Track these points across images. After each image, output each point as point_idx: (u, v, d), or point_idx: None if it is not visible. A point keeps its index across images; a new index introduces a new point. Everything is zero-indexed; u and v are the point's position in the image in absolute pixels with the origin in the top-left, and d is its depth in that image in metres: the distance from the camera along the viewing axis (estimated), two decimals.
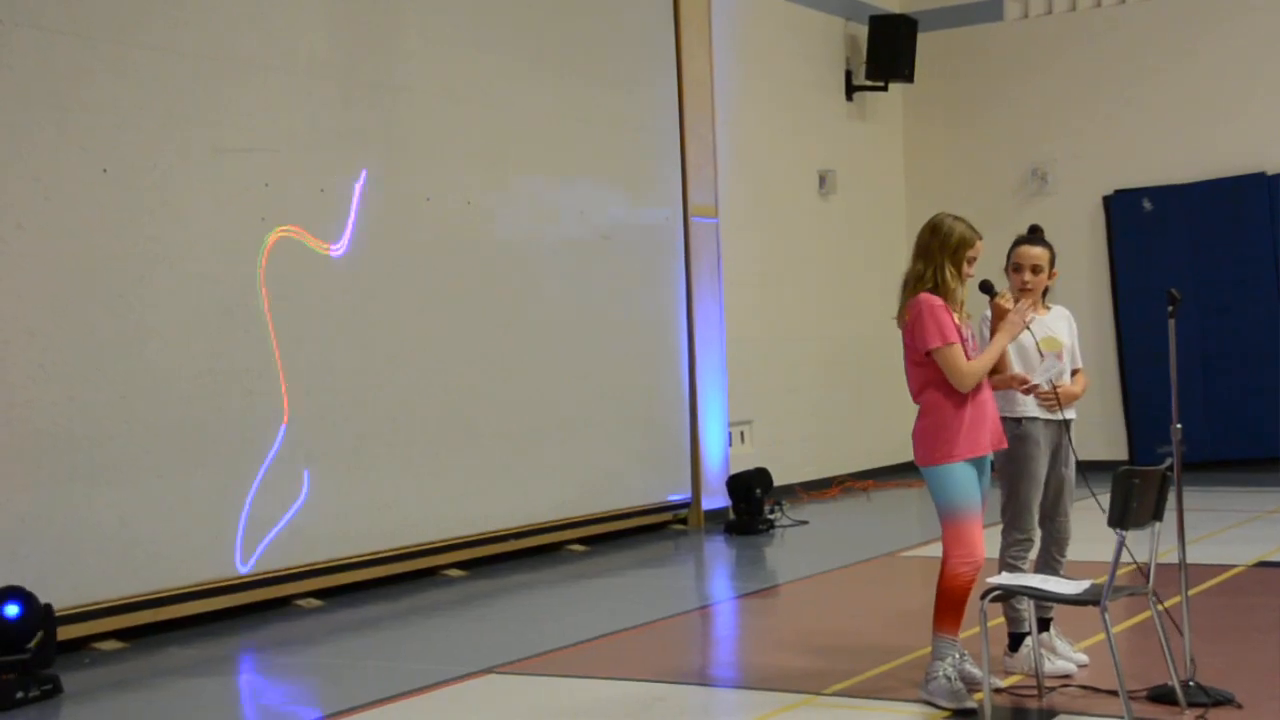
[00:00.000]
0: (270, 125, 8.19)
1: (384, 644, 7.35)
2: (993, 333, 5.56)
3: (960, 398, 5.42)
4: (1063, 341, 5.89)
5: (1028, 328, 5.55)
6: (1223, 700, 5.27)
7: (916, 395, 5.54)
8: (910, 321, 5.46)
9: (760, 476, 10.97)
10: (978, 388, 5.45)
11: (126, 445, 7.35)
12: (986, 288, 5.60)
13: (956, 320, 5.44)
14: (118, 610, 7.29)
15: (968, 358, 5.40)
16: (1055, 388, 5.66)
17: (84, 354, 7.20)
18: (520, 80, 9.94)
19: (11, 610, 6.27)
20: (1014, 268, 5.88)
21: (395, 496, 8.85)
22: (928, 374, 5.47)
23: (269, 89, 8.21)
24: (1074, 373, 5.96)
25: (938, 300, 5.43)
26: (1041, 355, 5.71)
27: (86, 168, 7.24)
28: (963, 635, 5.51)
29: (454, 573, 9.20)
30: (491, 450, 9.56)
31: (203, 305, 7.79)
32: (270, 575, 8.08)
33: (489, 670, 6.49)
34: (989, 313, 5.69)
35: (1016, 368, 5.72)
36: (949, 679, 5.41)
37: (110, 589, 7.26)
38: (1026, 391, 5.66)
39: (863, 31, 13.83)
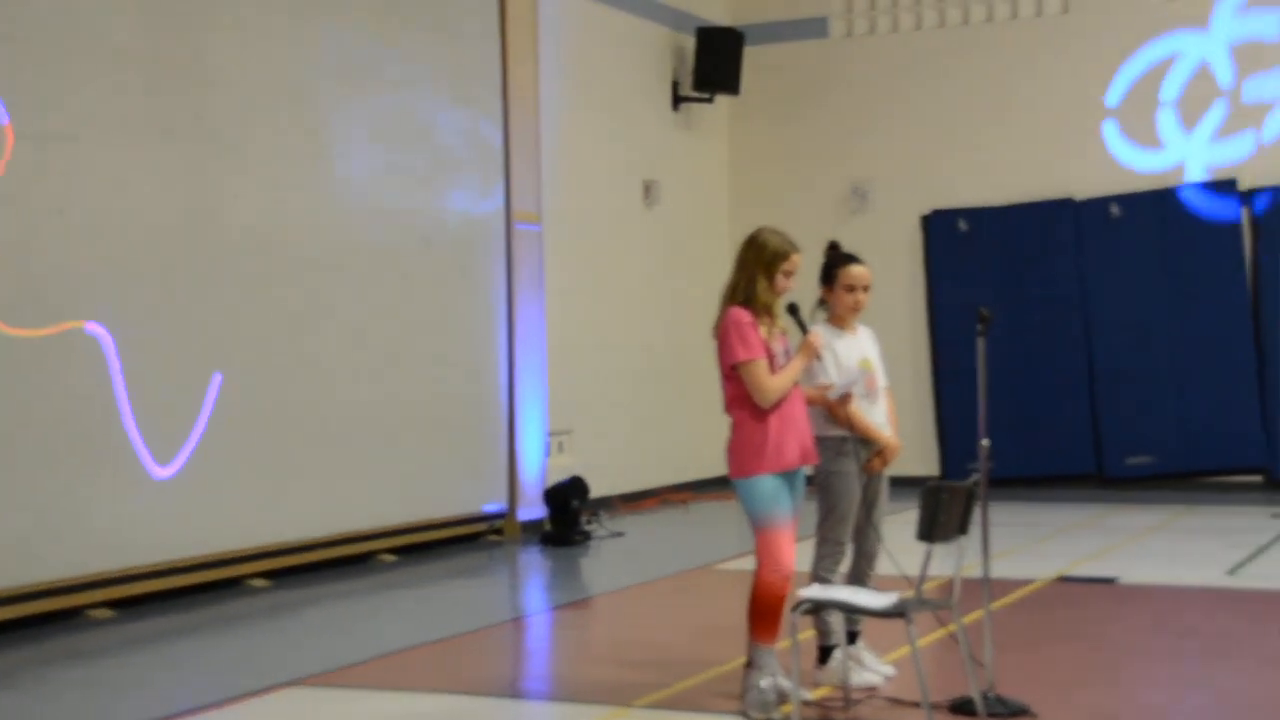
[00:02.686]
0: (74, 111, 7.85)
1: (180, 656, 7.09)
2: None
3: (766, 412, 5.45)
4: (874, 362, 6.01)
5: (819, 356, 5.63)
6: (1019, 711, 5.38)
7: (727, 408, 5.57)
8: (719, 335, 5.50)
9: (576, 487, 10.91)
10: (787, 402, 5.48)
11: None
12: (793, 309, 5.65)
13: (765, 335, 5.46)
14: None
15: (773, 372, 5.42)
16: (848, 399, 5.75)
17: None
18: (341, 79, 9.72)
19: None
20: (847, 288, 5.94)
21: (195, 504, 8.54)
22: (736, 388, 5.52)
23: (72, 74, 7.86)
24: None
25: (745, 315, 5.47)
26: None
27: None
28: (776, 647, 5.51)
29: (258, 583, 8.92)
30: (300, 456, 9.30)
31: None
32: (58, 585, 7.71)
33: (293, 683, 6.30)
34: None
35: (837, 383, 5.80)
36: (759, 690, 5.42)
37: None
38: (842, 404, 5.72)
39: (690, 43, 13.90)
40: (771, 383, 5.43)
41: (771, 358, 5.47)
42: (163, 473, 8.34)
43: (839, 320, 5.99)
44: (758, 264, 5.53)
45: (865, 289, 5.96)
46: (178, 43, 8.56)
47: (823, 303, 6.05)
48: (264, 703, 6.01)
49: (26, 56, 7.66)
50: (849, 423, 5.77)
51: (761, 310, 5.52)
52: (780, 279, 5.54)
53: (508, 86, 11.22)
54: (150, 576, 8.26)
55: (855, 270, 5.96)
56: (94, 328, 7.96)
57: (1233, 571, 8.77)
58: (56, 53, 7.81)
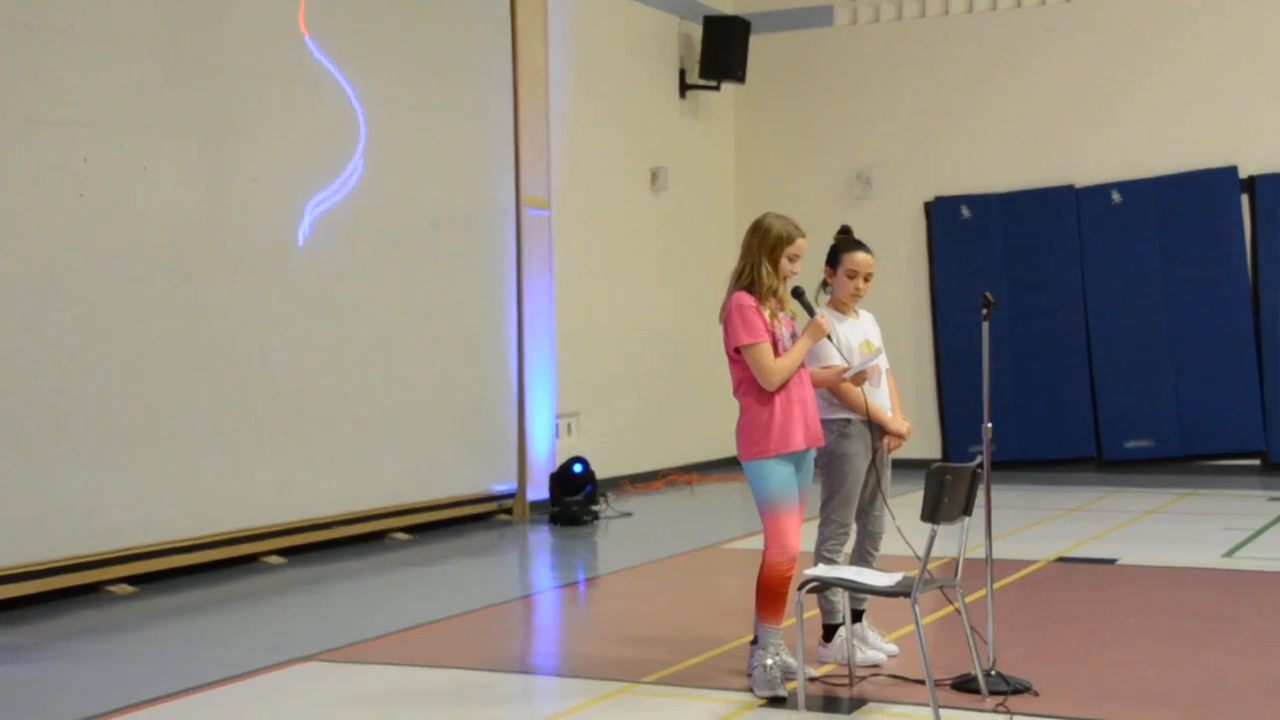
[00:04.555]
0: (89, 99, 7.97)
1: (200, 631, 7.22)
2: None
3: (771, 395, 5.54)
4: (876, 345, 6.10)
5: (828, 336, 5.70)
6: (1021, 688, 5.50)
7: (735, 391, 5.67)
8: (724, 320, 5.60)
9: (581, 468, 11.04)
10: (793, 385, 5.58)
11: None
12: (797, 293, 5.76)
13: (768, 318, 5.56)
14: None
15: (778, 356, 5.53)
16: (864, 374, 5.87)
17: None
18: (351, 65, 9.83)
19: None
20: (849, 274, 6.04)
21: (216, 482, 8.69)
22: (742, 371, 5.61)
23: (89, 62, 7.98)
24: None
25: (749, 299, 5.56)
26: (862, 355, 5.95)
27: None
28: (781, 627, 5.63)
29: (275, 560, 9.07)
30: (316, 437, 9.44)
31: (15, 281, 7.54)
32: (81, 561, 7.86)
33: (309, 658, 6.43)
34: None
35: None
36: (765, 668, 5.53)
37: None
38: (857, 382, 5.84)
39: (697, 31, 14.00)
40: (776, 365, 5.51)
41: (776, 341, 5.55)
42: (182, 452, 8.49)
43: (839, 305, 6.10)
44: (762, 249, 5.60)
45: (866, 278, 6.05)
46: (192, 31, 8.67)
47: (825, 285, 6.15)
48: (280, 677, 6.13)
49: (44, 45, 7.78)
50: (864, 407, 5.88)
51: (766, 294, 5.60)
52: (785, 263, 5.61)
53: (517, 72, 11.32)
54: (169, 553, 8.40)
55: (860, 257, 6.05)
56: (118, 311, 8.10)
57: (1230, 553, 8.90)
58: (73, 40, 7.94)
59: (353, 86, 9.81)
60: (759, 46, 14.33)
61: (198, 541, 8.58)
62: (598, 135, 12.84)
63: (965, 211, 14.05)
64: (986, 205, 13.95)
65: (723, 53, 13.85)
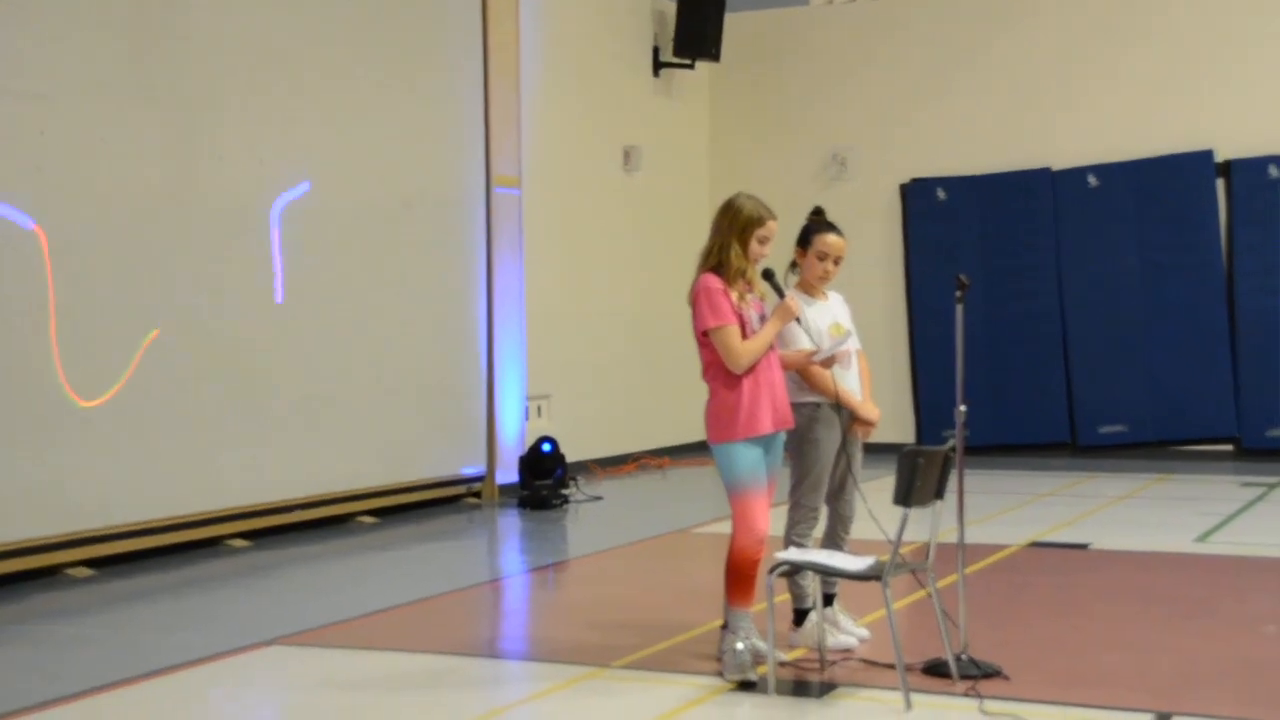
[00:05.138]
0: (46, 70, 7.82)
1: (162, 615, 7.13)
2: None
3: (739, 378, 5.47)
4: (846, 327, 6.03)
5: (797, 319, 5.63)
6: (992, 673, 5.46)
7: (703, 374, 5.61)
8: (691, 302, 5.54)
9: (550, 451, 10.96)
10: (762, 368, 5.51)
11: None
12: (768, 274, 5.68)
13: (737, 300, 5.49)
14: None
15: (746, 338, 5.46)
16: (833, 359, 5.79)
17: None
18: (319, 41, 9.70)
19: None
20: (819, 256, 5.96)
21: (178, 464, 8.56)
22: (710, 354, 5.55)
23: (46, 31, 7.83)
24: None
25: (716, 281, 5.49)
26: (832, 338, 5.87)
27: None
28: (751, 610, 5.57)
29: (238, 543, 8.96)
30: (281, 419, 9.33)
31: None
32: (39, 543, 7.73)
33: (272, 641, 6.34)
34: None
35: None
36: (735, 652, 5.48)
37: None
38: (824, 365, 5.77)
39: (671, 9, 13.88)
40: (743, 348, 5.44)
41: (744, 323, 5.48)
42: (142, 434, 8.36)
43: (807, 286, 6.02)
44: (732, 230, 5.53)
45: (836, 260, 5.96)
46: (157, 3, 8.52)
47: (794, 265, 6.07)
48: (244, 660, 6.05)
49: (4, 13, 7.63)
50: (833, 391, 5.81)
51: (735, 276, 5.52)
52: (754, 245, 5.53)
53: (488, 50, 11.20)
54: (130, 536, 8.28)
55: (831, 239, 5.97)
56: (76, 287, 7.97)
57: (1202, 538, 8.89)
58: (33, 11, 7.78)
59: (322, 63, 9.67)
60: (734, 25, 14.23)
61: (159, 524, 8.46)
62: (570, 114, 12.73)
63: (941, 194, 14.00)
64: (962, 188, 13.90)
65: (697, 31, 13.75)
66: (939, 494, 5.38)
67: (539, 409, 12.13)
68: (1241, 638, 6.23)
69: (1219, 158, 13.02)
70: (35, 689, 5.61)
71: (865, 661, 5.73)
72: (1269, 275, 12.81)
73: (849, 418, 5.92)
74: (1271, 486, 11.27)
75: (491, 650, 6.46)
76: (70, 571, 7.92)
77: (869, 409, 5.97)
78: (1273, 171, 12.78)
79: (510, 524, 10.29)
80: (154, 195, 8.46)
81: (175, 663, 5.97)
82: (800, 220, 6.11)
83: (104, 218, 8.15)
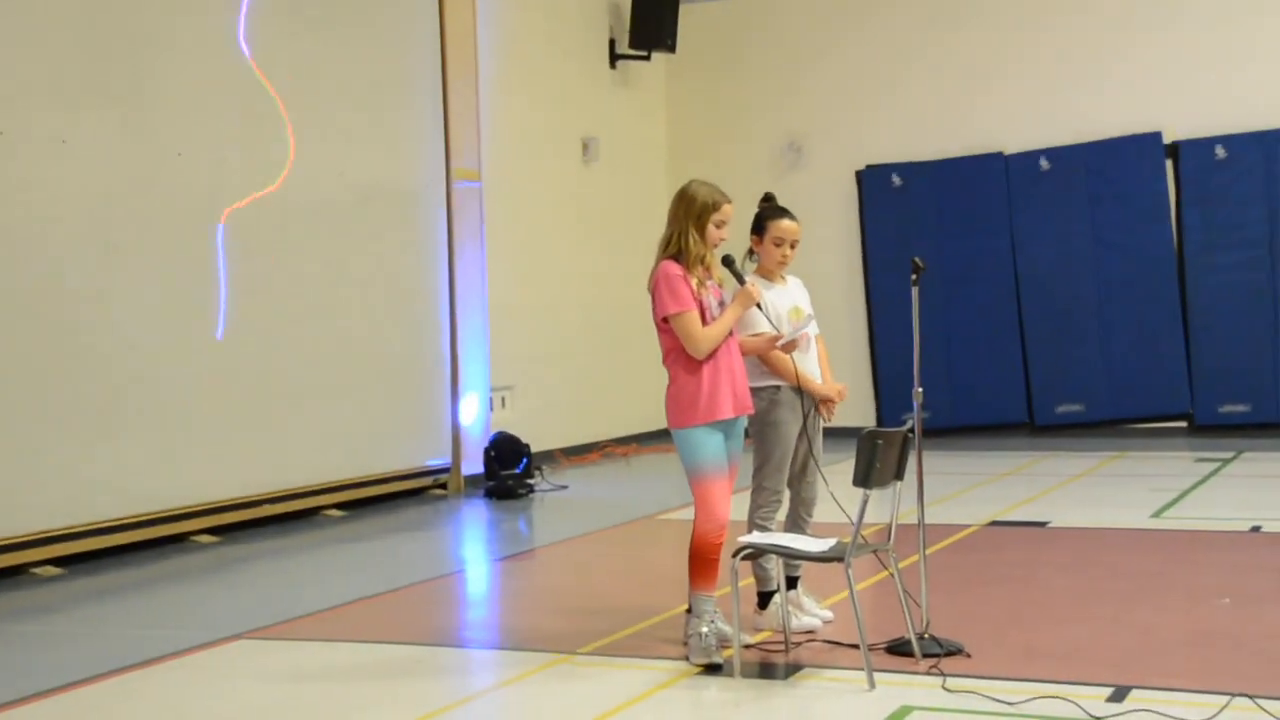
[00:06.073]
0: (2, 69, 7.79)
1: (129, 611, 7.14)
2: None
3: (699, 364, 5.54)
4: (805, 311, 6.09)
5: (758, 305, 5.69)
6: (954, 650, 5.55)
7: (664, 360, 5.66)
8: (651, 289, 5.59)
9: (512, 442, 11.01)
10: (721, 353, 5.57)
11: None
12: (727, 261, 5.74)
13: (696, 287, 5.55)
14: None
15: (705, 324, 5.52)
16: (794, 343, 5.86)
17: None
18: (276, 35, 9.69)
19: None
20: (775, 242, 6.02)
21: (143, 460, 8.57)
22: (670, 340, 5.60)
23: (2, 29, 7.80)
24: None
25: (675, 268, 5.55)
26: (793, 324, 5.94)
27: None
28: (715, 594, 5.64)
29: (205, 539, 8.97)
30: (246, 413, 9.33)
31: None
32: (4, 543, 7.72)
33: (241, 636, 6.37)
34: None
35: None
36: (700, 636, 5.54)
37: None
38: (785, 349, 5.83)
39: (626, 2, 13.91)
40: (704, 333, 5.50)
41: (703, 309, 5.54)
42: (108, 430, 8.36)
43: (766, 272, 6.08)
44: (688, 216, 5.58)
45: (793, 244, 6.03)
46: (114, 5, 8.50)
47: (752, 253, 6.14)
48: (213, 655, 6.07)
49: None
50: (794, 374, 5.88)
51: (694, 262, 5.58)
52: (711, 230, 5.59)
53: (445, 44, 11.21)
54: (96, 533, 8.28)
55: (785, 224, 6.03)
56: (39, 286, 7.95)
57: (1158, 514, 9.03)
58: None
59: (279, 59, 9.67)
60: (689, 16, 14.29)
61: (125, 521, 8.46)
62: (528, 107, 12.75)
63: (896, 180, 14.12)
64: (917, 173, 14.02)
65: (652, 22, 13.79)
66: (899, 475, 5.46)
67: (503, 400, 12.17)
68: (1197, 610, 6.35)
69: (1167, 139, 13.17)
70: (4, 688, 5.61)
71: (829, 642, 5.80)
72: (1217, 253, 13.00)
73: (810, 401, 6.00)
74: (1224, 462, 11.46)
75: (460, 639, 6.50)
76: (37, 570, 7.91)
77: (830, 386, 6.04)
78: (1219, 152, 12.96)
79: (476, 514, 10.34)
80: (112, 194, 8.45)
81: (145, 659, 5.99)
82: (756, 208, 6.18)
83: (62, 217, 8.13)
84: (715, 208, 5.59)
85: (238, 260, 9.30)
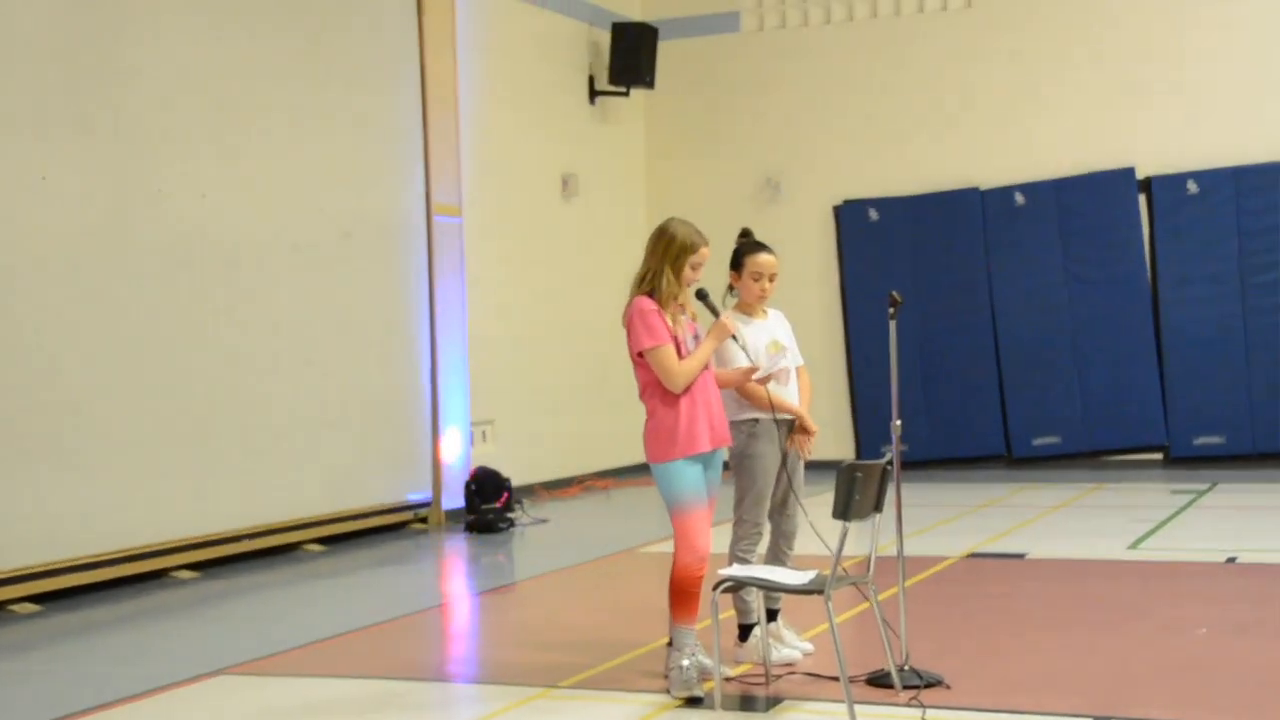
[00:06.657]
0: None
1: (109, 648, 7.11)
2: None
3: (676, 397, 5.57)
4: (784, 344, 6.13)
5: (734, 337, 5.72)
6: (934, 682, 5.58)
7: (640, 395, 5.69)
8: (626, 324, 5.63)
9: (493, 476, 11.02)
10: (698, 387, 5.60)
11: None
12: (701, 295, 5.79)
13: (670, 322, 5.59)
14: None
15: (681, 358, 5.56)
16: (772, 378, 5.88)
17: None
18: (259, 71, 9.74)
19: None
20: (754, 276, 6.07)
21: (122, 496, 8.55)
22: (647, 375, 5.63)
23: None
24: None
25: (650, 304, 5.59)
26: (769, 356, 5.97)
27: None
28: (695, 627, 5.66)
29: (184, 574, 8.95)
30: (226, 449, 9.33)
31: None
32: None
33: (220, 671, 6.35)
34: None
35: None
36: (681, 669, 5.55)
37: None
38: (761, 382, 5.87)
39: (605, 38, 14.03)
40: (680, 367, 5.54)
41: (678, 344, 5.57)
42: (86, 466, 8.34)
43: (747, 307, 6.13)
44: (665, 256, 5.61)
45: (771, 278, 6.08)
46: (95, 36, 8.54)
47: (732, 289, 6.18)
48: (193, 691, 6.06)
49: None
50: (768, 404, 5.91)
51: (668, 299, 5.61)
52: (687, 271, 5.63)
53: (426, 79, 11.28)
54: (75, 570, 8.25)
55: (762, 258, 6.08)
56: (15, 322, 7.95)
57: (1134, 545, 9.09)
58: None
59: (262, 95, 9.71)
60: (667, 52, 14.41)
61: (104, 558, 8.43)
62: (508, 142, 12.82)
63: (873, 214, 14.22)
64: (894, 208, 14.13)
65: (631, 59, 13.90)
66: (878, 507, 5.49)
67: (483, 434, 12.18)
68: (1175, 640, 6.39)
69: (1140, 175, 13.32)
70: None
71: (809, 675, 5.82)
72: (1191, 286, 13.13)
73: (788, 433, 6.03)
74: (1200, 493, 11.54)
75: (440, 674, 6.50)
76: (15, 608, 7.88)
77: (806, 420, 6.08)
78: (1191, 187, 13.12)
79: (457, 548, 10.33)
80: (93, 230, 8.46)
81: (124, 695, 5.96)
82: (734, 244, 6.24)
83: (43, 253, 8.13)
84: (693, 249, 5.63)
85: (218, 295, 9.31)
